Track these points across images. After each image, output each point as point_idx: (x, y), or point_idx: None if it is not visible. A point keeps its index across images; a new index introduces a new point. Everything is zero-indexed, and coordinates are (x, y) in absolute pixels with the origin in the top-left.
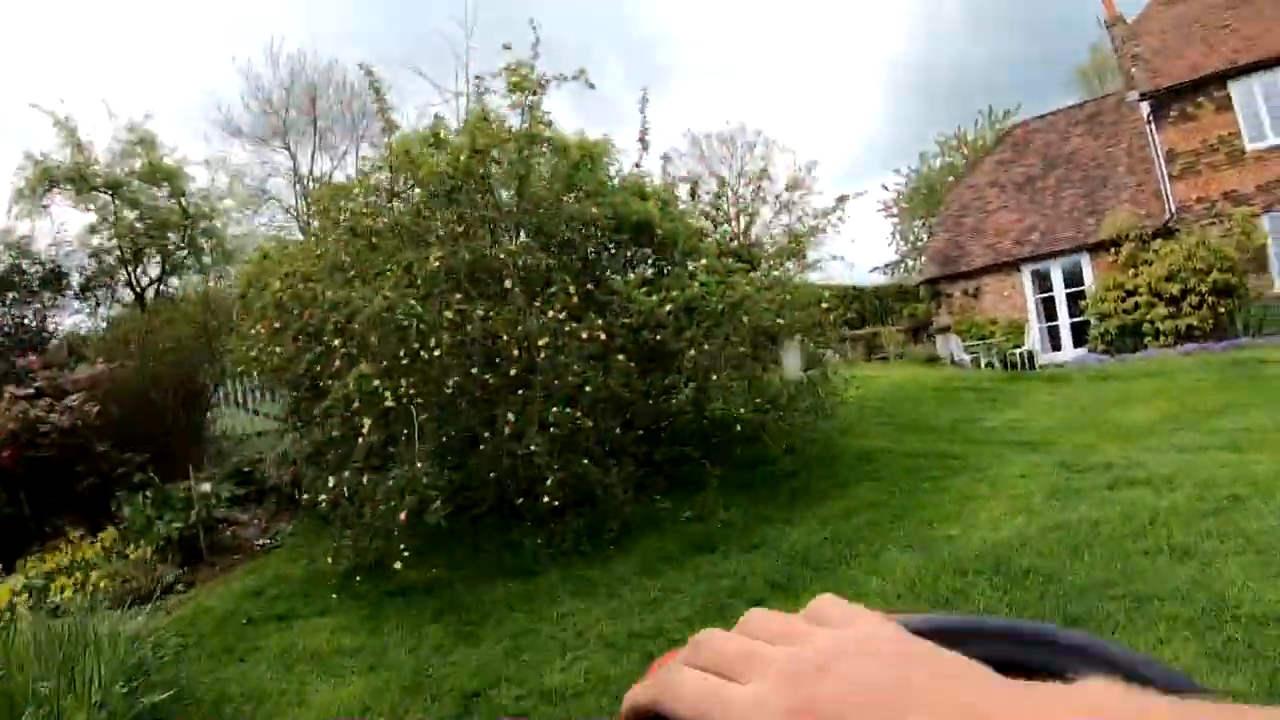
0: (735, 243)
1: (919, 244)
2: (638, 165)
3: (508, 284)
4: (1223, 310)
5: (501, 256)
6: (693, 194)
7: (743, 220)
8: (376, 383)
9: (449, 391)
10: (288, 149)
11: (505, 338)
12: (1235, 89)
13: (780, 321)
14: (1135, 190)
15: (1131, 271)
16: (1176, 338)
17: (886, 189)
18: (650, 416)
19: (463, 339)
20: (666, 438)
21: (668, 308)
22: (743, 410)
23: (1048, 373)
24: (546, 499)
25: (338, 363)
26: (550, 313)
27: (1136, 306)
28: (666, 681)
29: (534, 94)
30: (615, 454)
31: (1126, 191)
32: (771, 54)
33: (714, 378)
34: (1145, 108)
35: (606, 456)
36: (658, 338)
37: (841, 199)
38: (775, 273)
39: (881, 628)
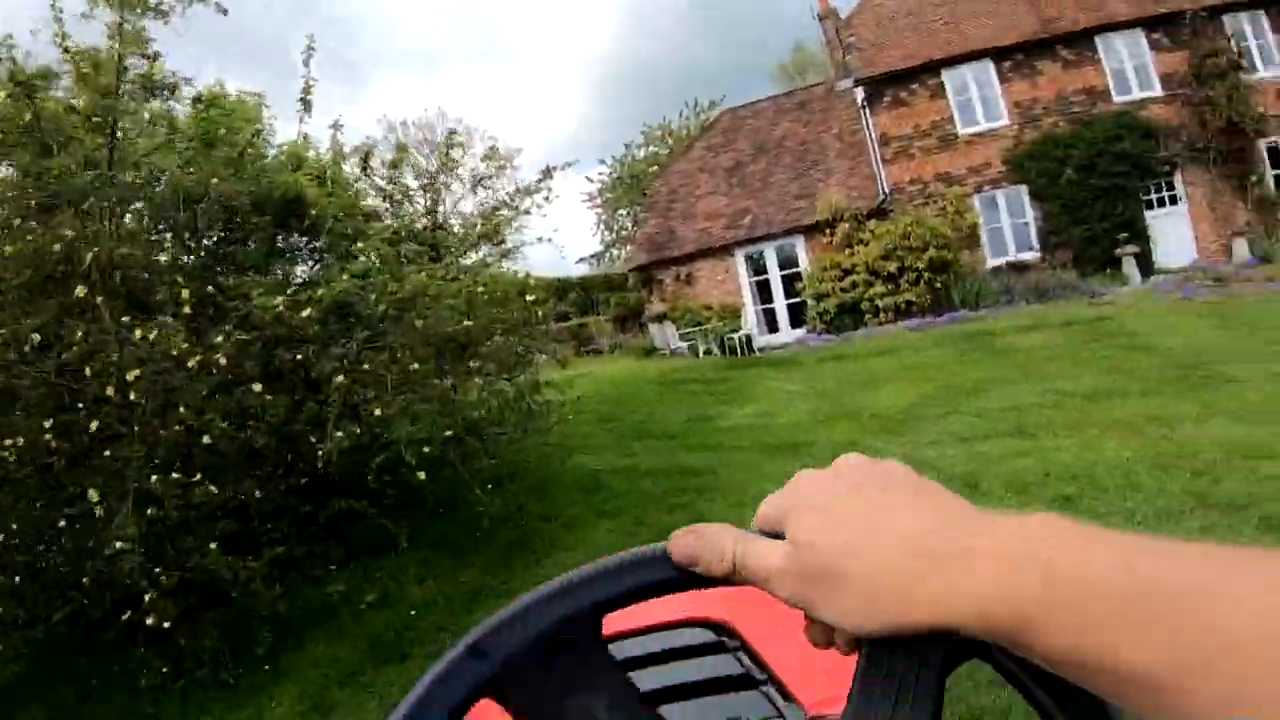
0: (421, 225)
1: (624, 234)
2: (306, 137)
3: (80, 291)
4: (939, 285)
5: (56, 248)
6: (364, 167)
7: (425, 199)
8: None
9: (10, 460)
10: None
11: (87, 371)
12: (949, 77)
13: (468, 323)
14: (848, 173)
15: (848, 251)
16: (896, 314)
17: (591, 180)
18: (310, 464)
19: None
20: (339, 486)
21: (307, 312)
22: (426, 449)
23: (773, 356)
24: (153, 618)
25: None
26: (140, 331)
27: (854, 285)
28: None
29: (132, 9)
30: (271, 517)
31: (838, 174)
32: (478, 51)
33: (377, 410)
34: (859, 94)
35: (264, 520)
36: (298, 356)
37: (547, 172)
38: (466, 261)
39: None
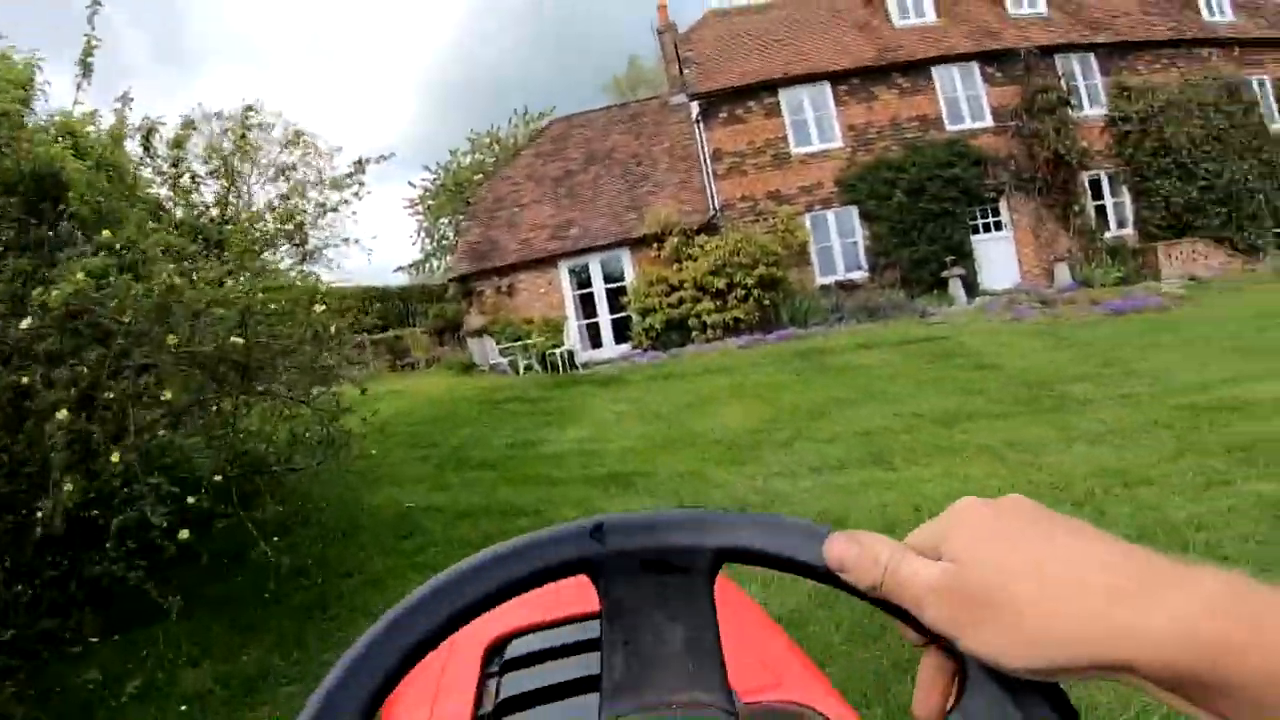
0: (209, 219)
1: (445, 242)
2: (94, 113)
3: None
4: (768, 303)
5: None
6: (146, 144)
7: (219, 186)
8: None
9: None
10: None
11: None
12: (785, 97)
13: (238, 340)
14: (678, 187)
15: (676, 266)
16: (724, 331)
17: (414, 186)
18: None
19: None
20: (113, 542)
21: (27, 322)
22: (191, 499)
23: (598, 374)
24: None
25: None
26: None
27: (682, 301)
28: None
29: None
30: (16, 579)
31: (669, 188)
32: (310, 52)
33: (115, 455)
34: (695, 109)
35: (9, 585)
36: (24, 379)
37: (359, 165)
38: (257, 261)
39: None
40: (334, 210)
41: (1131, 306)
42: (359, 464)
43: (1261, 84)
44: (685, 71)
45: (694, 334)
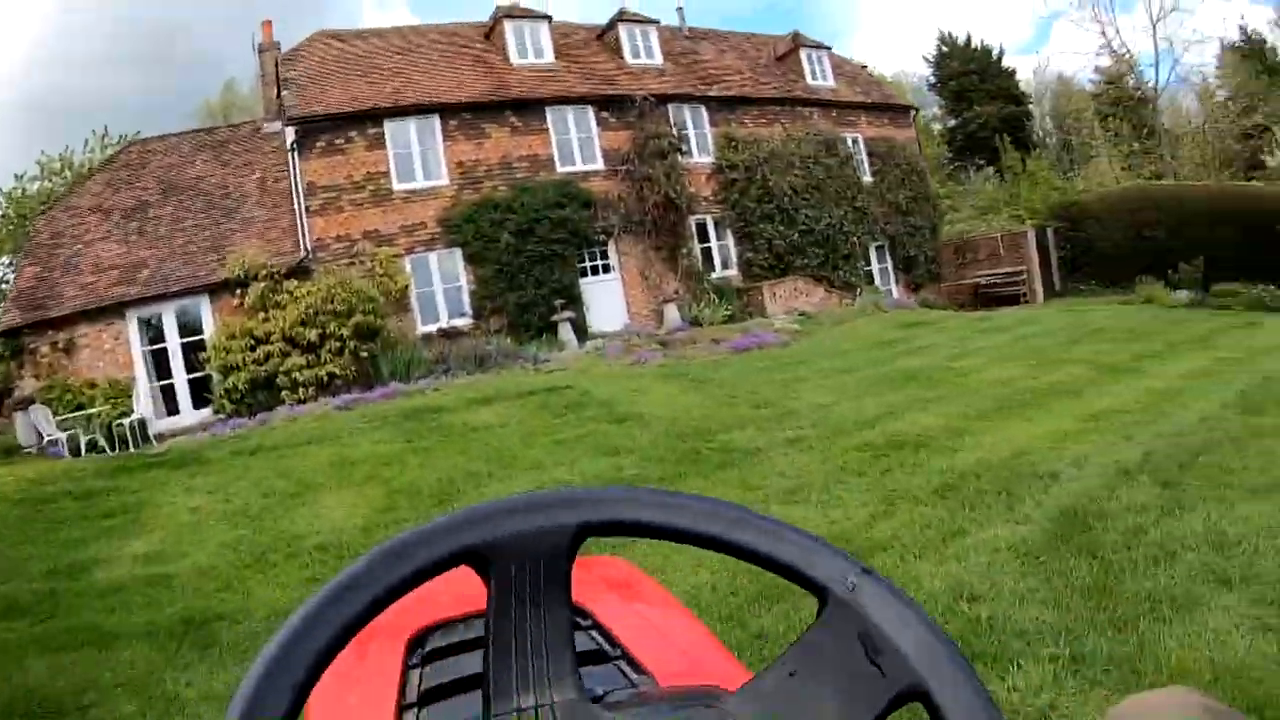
0: None
1: (5, 286)
2: None
3: None
4: (365, 355)
5: None
6: None
7: None
8: None
9: None
10: None
11: None
12: (390, 128)
13: None
14: (267, 224)
15: (262, 316)
16: (319, 388)
17: None
18: None
19: None
20: None
21: None
22: None
23: (175, 450)
24: None
25: None
26: None
27: (269, 357)
28: None
29: None
30: None
31: (257, 225)
32: None
33: None
34: (290, 135)
35: None
36: None
37: None
38: None
39: None
40: None
41: (753, 343)
42: None
43: (855, 141)
44: (284, 93)
45: (284, 394)
